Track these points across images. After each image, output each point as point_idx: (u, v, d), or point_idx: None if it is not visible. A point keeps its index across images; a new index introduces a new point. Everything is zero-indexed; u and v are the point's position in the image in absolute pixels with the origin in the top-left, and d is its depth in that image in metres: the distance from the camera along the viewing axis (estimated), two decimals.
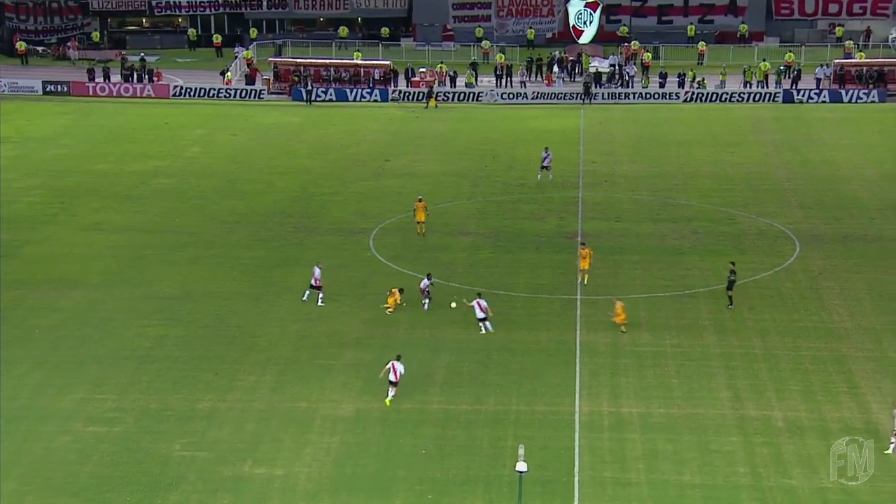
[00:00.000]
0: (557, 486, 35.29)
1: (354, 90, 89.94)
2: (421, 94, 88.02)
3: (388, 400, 39.66)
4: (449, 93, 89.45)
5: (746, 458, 36.88)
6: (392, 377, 39.70)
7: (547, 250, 55.53)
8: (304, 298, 48.76)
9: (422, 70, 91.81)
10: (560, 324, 46.55)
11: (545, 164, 65.57)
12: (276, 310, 48.22)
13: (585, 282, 49.39)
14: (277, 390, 41.20)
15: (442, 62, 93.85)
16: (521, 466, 32.02)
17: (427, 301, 47.76)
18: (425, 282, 48.22)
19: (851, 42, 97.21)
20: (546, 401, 40.45)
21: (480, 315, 45.64)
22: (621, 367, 43.01)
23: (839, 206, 61.46)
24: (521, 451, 32.27)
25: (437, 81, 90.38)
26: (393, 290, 48.11)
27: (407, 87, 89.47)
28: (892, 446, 36.23)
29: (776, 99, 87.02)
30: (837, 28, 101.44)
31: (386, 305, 47.60)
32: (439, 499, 34.81)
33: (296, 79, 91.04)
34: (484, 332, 45.38)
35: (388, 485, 35.47)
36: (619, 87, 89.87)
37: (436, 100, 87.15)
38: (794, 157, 71.47)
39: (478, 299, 45.93)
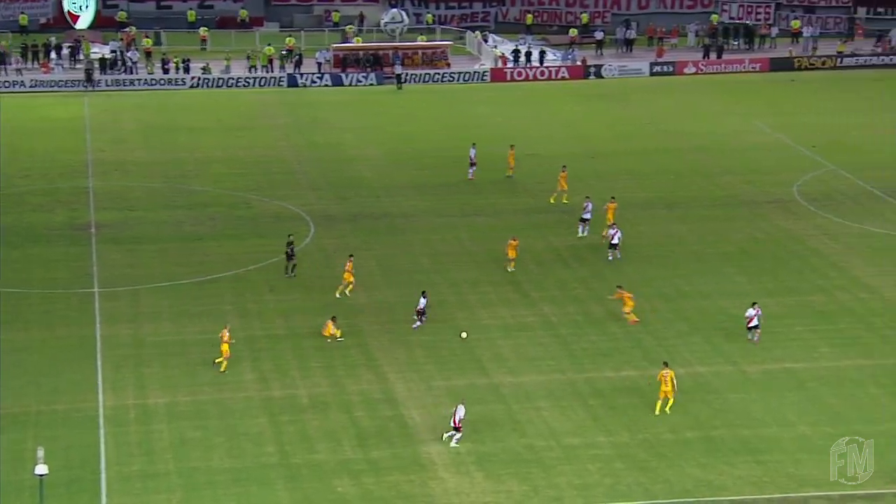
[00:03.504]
0: (84, 485, 34.62)
1: None
2: None
3: None
4: None
5: (274, 437, 37.74)
6: None
7: (59, 243, 53.71)
8: None
9: None
10: (79, 318, 45.37)
11: None
12: None
13: (338, 295, 48.07)
14: None
15: None
16: (41, 469, 31.20)
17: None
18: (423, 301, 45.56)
19: (351, 27, 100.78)
20: (67, 399, 39.43)
21: None
22: (145, 358, 42.61)
23: (347, 186, 63.71)
24: (39, 454, 31.41)
25: None
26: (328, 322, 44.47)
27: None
28: (454, 438, 37.32)
29: (281, 83, 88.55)
30: (334, 13, 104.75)
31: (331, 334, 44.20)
32: None
33: None
34: None
35: None
36: (123, 74, 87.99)
37: None
38: (301, 140, 73.22)
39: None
